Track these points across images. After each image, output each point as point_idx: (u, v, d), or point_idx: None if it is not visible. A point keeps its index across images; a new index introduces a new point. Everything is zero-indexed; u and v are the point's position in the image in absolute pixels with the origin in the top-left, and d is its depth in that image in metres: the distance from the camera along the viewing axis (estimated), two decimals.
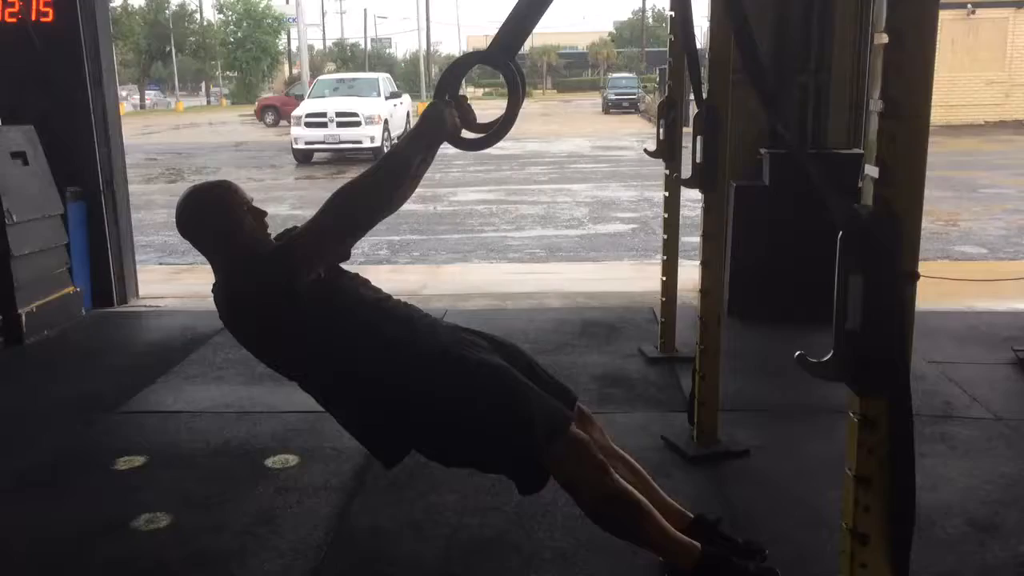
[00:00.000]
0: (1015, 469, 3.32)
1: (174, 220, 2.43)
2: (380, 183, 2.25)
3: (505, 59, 2.41)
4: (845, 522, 1.72)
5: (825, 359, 1.63)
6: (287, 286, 2.22)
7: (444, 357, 2.35)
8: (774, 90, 2.75)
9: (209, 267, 2.43)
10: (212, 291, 2.40)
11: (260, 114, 34.57)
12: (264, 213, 2.44)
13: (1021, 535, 2.83)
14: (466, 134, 2.43)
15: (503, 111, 2.40)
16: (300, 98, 34.11)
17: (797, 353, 1.65)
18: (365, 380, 2.33)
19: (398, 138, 20.09)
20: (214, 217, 2.37)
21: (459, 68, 2.46)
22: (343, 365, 2.33)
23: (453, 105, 2.35)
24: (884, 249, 1.54)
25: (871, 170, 1.59)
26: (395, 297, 2.55)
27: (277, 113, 33.30)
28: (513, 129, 2.47)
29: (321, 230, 2.25)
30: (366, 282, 2.52)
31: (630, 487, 2.41)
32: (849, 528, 1.70)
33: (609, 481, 2.35)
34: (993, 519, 2.94)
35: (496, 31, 2.44)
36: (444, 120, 2.30)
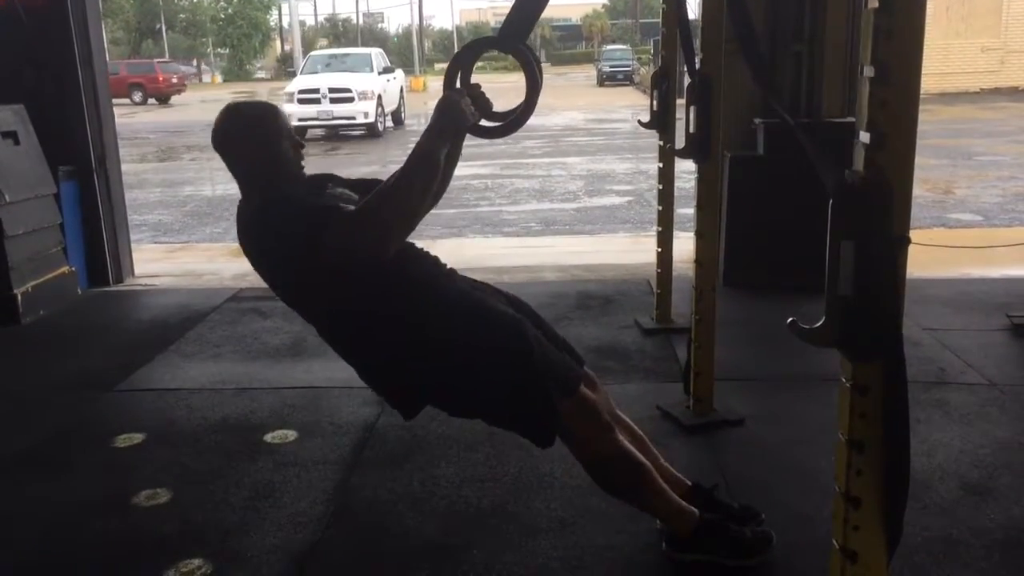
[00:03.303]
0: (1009, 434, 3.35)
1: (211, 136, 2.36)
2: (411, 188, 2.13)
3: (516, 43, 2.34)
4: (838, 486, 1.73)
5: (817, 325, 1.64)
6: (313, 244, 2.13)
7: (462, 301, 2.33)
8: (766, 63, 2.74)
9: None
10: (237, 211, 2.35)
11: None
12: (302, 145, 2.38)
13: (1015, 498, 2.86)
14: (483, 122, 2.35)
15: (501, 94, 2.34)
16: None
17: (789, 319, 1.66)
18: (384, 320, 2.27)
19: (391, 114, 20.07)
20: (250, 135, 2.30)
21: (468, 55, 2.37)
22: (363, 304, 2.27)
23: (465, 93, 2.26)
24: (876, 213, 1.54)
25: (863, 136, 1.59)
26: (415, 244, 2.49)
27: None
28: (506, 103, 2.45)
29: (362, 235, 2.11)
30: None
31: (633, 449, 2.43)
32: (842, 492, 1.72)
33: (613, 442, 2.37)
34: (987, 483, 2.97)
35: (491, 6, 2.39)
36: (462, 111, 2.19)
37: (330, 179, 2.48)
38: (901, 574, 2.40)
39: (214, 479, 3.17)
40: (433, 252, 2.51)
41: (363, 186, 2.49)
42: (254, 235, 2.30)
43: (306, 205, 2.23)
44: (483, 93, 2.32)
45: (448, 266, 2.49)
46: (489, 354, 2.27)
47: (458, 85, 2.33)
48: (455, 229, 8.83)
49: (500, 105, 2.42)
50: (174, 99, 34.99)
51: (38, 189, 5.35)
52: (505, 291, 2.55)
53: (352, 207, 2.21)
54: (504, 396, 2.30)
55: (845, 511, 1.72)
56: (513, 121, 2.37)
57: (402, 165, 2.17)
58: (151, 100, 34.07)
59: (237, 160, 2.35)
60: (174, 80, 35.88)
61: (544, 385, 2.26)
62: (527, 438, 2.38)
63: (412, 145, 2.21)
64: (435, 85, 35.56)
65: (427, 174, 2.15)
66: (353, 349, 2.39)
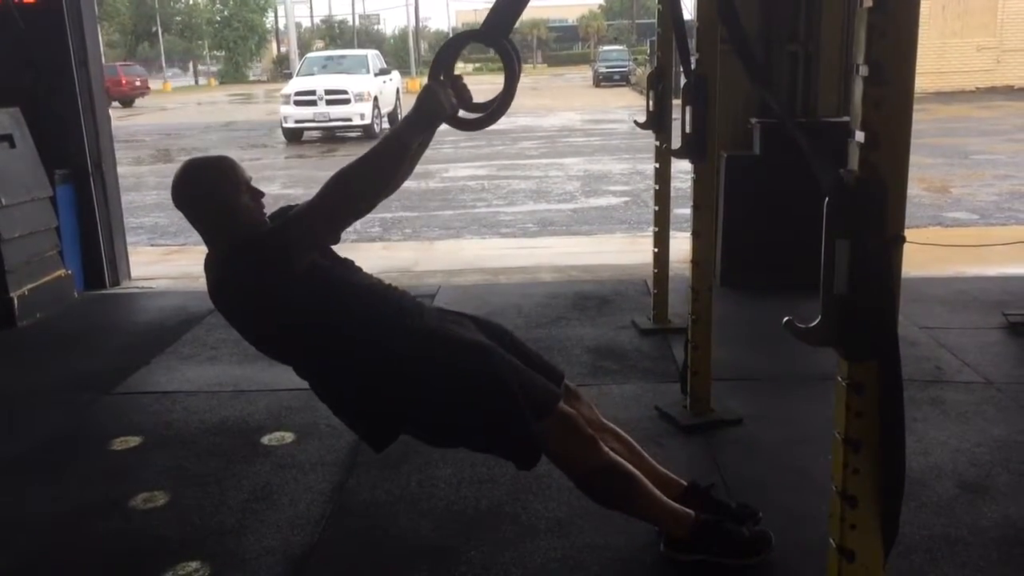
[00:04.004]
0: (1005, 432, 3.35)
1: (170, 192, 2.39)
2: (379, 167, 2.21)
3: (499, 37, 2.36)
4: (835, 485, 1.73)
5: (813, 324, 1.64)
6: (282, 268, 2.20)
7: (432, 337, 2.36)
8: (760, 62, 2.75)
9: (200, 248, 2.43)
10: (204, 266, 2.40)
11: None
12: (262, 194, 2.41)
13: (1011, 497, 2.86)
14: (463, 114, 2.38)
15: (500, 89, 2.36)
16: None
17: (785, 319, 1.66)
18: (356, 362, 2.33)
19: (388, 115, 20.07)
20: (210, 192, 2.34)
21: (453, 48, 2.40)
22: (334, 348, 2.32)
23: (448, 85, 2.30)
24: (870, 213, 1.55)
25: (857, 135, 1.59)
26: (384, 280, 2.55)
27: None
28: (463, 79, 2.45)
29: (317, 213, 2.22)
30: (358, 268, 2.52)
31: (620, 459, 2.43)
32: (839, 491, 1.72)
33: (599, 455, 2.37)
34: (984, 481, 2.97)
35: (489, 7, 2.40)
36: (440, 102, 2.24)
37: (289, 210, 2.49)
38: (898, 573, 2.41)
39: (212, 481, 3.17)
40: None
41: None
42: (227, 290, 2.32)
43: (264, 238, 2.28)
44: (465, 85, 2.36)
45: (416, 300, 2.52)
46: (460, 383, 2.30)
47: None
48: (452, 230, 8.83)
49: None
50: (171, 102, 35.13)
51: (34, 192, 5.34)
52: (477, 316, 2.58)
53: None
54: (479, 423, 2.34)
55: (842, 510, 1.72)
56: (489, 115, 2.39)
57: (373, 145, 2.21)
58: (115, 103, 34.01)
59: (198, 217, 2.38)
60: (137, 83, 36.25)
61: (518, 409, 2.27)
62: (509, 460, 2.41)
63: None
64: None
65: (396, 157, 2.23)
66: (329, 384, 2.41)
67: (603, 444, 2.41)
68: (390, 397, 2.34)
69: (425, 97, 2.24)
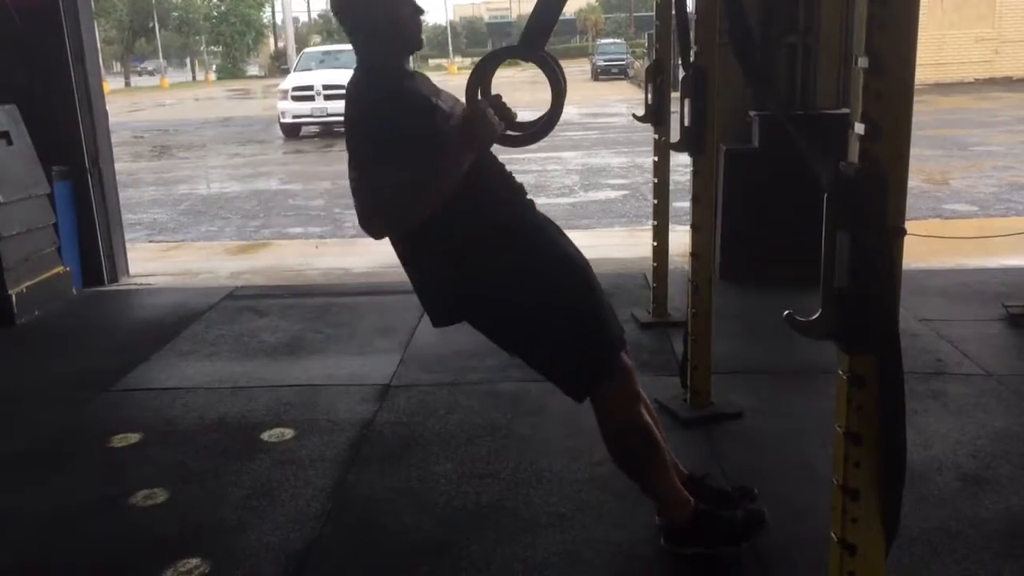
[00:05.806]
0: (1006, 424, 3.35)
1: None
2: (439, 192, 2.17)
3: (537, 51, 2.35)
4: (836, 478, 1.73)
5: (813, 318, 1.63)
6: (420, 121, 2.17)
7: (538, 231, 2.36)
8: (758, 60, 2.74)
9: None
10: (350, 81, 2.32)
11: None
12: (422, 11, 2.35)
13: (1012, 488, 2.86)
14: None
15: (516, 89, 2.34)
16: None
17: (786, 312, 1.66)
18: (459, 229, 2.27)
19: None
20: None
21: (490, 65, 2.36)
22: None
23: (488, 104, 2.26)
24: (871, 205, 1.54)
25: (857, 127, 1.58)
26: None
27: None
28: (507, 98, 2.43)
29: (389, 211, 2.16)
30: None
31: (653, 426, 2.44)
32: (840, 484, 1.72)
33: (639, 413, 2.39)
34: (985, 473, 2.97)
35: (526, 22, 2.37)
36: (491, 123, 2.21)
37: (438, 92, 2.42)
38: (899, 565, 2.40)
39: (211, 478, 3.16)
40: None
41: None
42: (357, 112, 2.26)
43: (418, 111, 2.22)
44: (505, 104, 2.32)
45: (529, 196, 2.48)
46: (553, 283, 2.30)
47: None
48: None
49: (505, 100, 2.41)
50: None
51: (32, 189, 5.33)
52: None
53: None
54: (554, 334, 2.31)
55: (843, 503, 1.72)
56: (539, 129, 2.38)
57: (436, 172, 2.18)
58: None
59: (357, 23, 2.30)
60: None
61: (596, 333, 2.30)
62: (559, 385, 2.39)
63: None
64: None
65: (453, 180, 2.19)
66: (420, 239, 2.32)
67: (643, 406, 2.42)
68: (480, 267, 2.30)
69: (474, 120, 2.21)
